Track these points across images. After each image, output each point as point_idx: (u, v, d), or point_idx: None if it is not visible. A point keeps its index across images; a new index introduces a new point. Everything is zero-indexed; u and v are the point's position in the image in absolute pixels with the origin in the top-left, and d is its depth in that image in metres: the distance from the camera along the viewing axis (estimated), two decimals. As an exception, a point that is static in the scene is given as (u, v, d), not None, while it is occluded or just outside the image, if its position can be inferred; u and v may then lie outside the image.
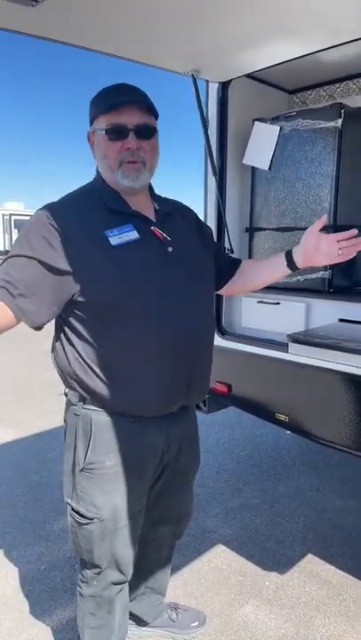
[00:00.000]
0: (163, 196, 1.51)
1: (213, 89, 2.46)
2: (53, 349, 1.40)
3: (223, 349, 2.57)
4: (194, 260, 1.44)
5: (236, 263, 1.69)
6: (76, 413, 1.37)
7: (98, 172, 1.40)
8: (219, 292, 1.71)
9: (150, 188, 1.45)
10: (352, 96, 2.68)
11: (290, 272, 1.54)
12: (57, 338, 1.38)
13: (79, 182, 1.43)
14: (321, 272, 2.35)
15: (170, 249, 1.35)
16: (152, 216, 1.39)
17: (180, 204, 1.57)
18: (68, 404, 1.42)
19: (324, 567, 2.24)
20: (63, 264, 1.23)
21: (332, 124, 2.24)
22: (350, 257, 1.46)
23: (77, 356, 1.31)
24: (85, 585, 1.49)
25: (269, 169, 2.50)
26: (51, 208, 1.28)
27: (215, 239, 2.60)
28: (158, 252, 1.34)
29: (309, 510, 2.69)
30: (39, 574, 2.20)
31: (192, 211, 1.60)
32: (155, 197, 1.46)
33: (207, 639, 1.85)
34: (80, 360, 1.31)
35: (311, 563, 2.27)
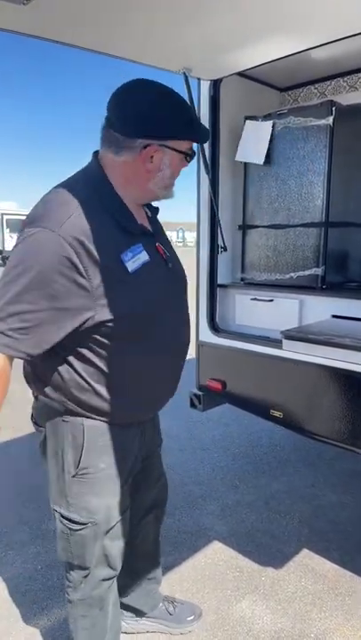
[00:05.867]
0: None
1: (205, 87, 2.46)
2: (33, 365, 1.34)
3: (217, 346, 2.58)
4: (181, 271, 1.48)
5: None
6: (65, 420, 1.34)
7: (109, 182, 1.27)
8: None
9: None
10: (343, 93, 2.69)
11: None
12: (47, 357, 1.26)
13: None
14: (314, 269, 2.37)
15: (170, 265, 1.39)
16: (147, 224, 1.38)
17: None
18: (50, 411, 1.36)
19: (319, 562, 2.26)
20: (80, 301, 1.16)
21: (323, 121, 2.25)
22: None
23: (76, 375, 1.27)
24: (73, 590, 1.48)
25: (264, 164, 2.51)
26: (59, 233, 1.13)
27: (208, 237, 2.62)
28: (164, 273, 1.36)
29: (305, 506, 2.70)
30: (36, 574, 2.20)
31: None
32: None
33: (204, 634, 1.86)
34: (79, 379, 1.28)
35: (307, 558, 2.29)
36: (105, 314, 1.19)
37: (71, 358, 1.27)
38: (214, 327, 2.63)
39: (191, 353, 2.75)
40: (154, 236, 1.37)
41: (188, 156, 1.31)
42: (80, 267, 1.14)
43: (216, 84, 2.44)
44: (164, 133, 1.23)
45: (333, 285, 2.39)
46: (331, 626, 1.90)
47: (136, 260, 1.25)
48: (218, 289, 2.69)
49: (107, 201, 1.25)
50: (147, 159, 1.24)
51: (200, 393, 2.69)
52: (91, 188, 1.25)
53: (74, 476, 1.35)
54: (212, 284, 2.64)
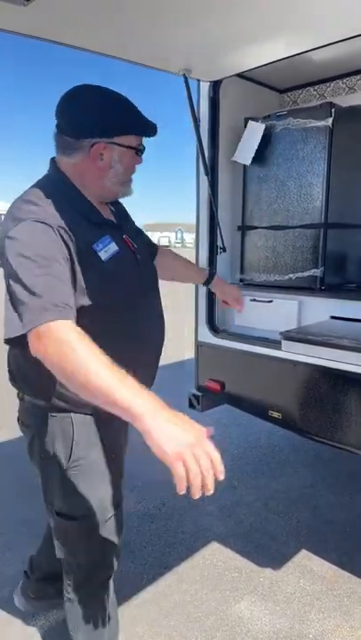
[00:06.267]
0: None
1: (205, 88, 2.47)
2: (18, 365, 1.36)
3: (216, 347, 2.59)
4: (151, 264, 1.53)
5: (153, 247, 1.72)
6: (53, 416, 1.36)
7: (70, 181, 1.33)
8: None
9: None
10: (342, 95, 2.70)
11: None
12: (31, 357, 1.16)
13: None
14: (313, 270, 2.37)
15: (138, 256, 1.43)
16: (113, 219, 1.43)
17: None
18: (37, 410, 1.37)
19: (318, 562, 2.26)
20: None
21: (322, 122, 2.25)
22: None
23: None
24: (73, 590, 1.48)
25: (263, 165, 2.51)
26: (41, 220, 1.18)
27: (207, 237, 2.62)
28: (133, 263, 1.41)
29: (303, 507, 2.71)
30: (34, 574, 2.20)
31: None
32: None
33: (203, 636, 1.86)
34: None
35: (305, 558, 2.29)
36: (83, 303, 1.22)
37: None
38: (213, 328, 2.63)
39: (190, 353, 2.76)
40: (121, 229, 1.41)
41: (139, 151, 1.36)
42: (72, 253, 1.20)
43: (216, 86, 2.45)
44: (110, 131, 1.29)
45: (332, 287, 2.40)
46: (329, 626, 1.90)
47: (107, 249, 1.30)
48: (217, 290, 2.68)
49: (71, 198, 1.31)
50: (97, 157, 1.30)
51: (199, 393, 2.70)
52: (56, 187, 1.31)
53: (66, 470, 1.36)
54: (212, 285, 2.65)
